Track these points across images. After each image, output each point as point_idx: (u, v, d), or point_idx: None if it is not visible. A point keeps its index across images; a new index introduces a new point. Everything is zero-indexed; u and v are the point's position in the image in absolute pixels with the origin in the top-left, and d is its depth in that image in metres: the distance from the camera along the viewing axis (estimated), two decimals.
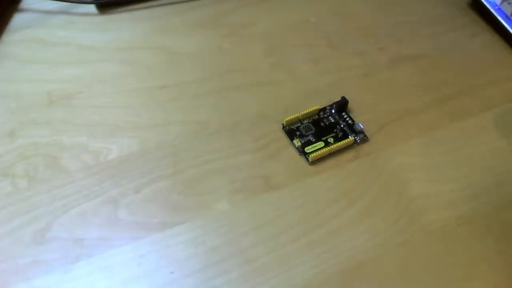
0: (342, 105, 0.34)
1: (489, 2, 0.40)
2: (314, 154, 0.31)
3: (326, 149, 0.32)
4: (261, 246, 0.28)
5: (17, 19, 0.38)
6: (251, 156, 0.32)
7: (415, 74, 0.37)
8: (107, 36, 0.38)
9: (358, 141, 0.33)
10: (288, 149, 0.32)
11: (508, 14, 0.39)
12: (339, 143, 0.32)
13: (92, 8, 0.39)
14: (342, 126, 0.33)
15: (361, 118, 0.34)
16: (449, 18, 0.41)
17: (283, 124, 0.33)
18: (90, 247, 0.27)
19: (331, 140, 0.32)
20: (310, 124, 0.33)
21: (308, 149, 0.32)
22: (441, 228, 0.29)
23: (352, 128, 0.33)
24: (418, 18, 0.41)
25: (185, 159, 0.31)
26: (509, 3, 0.39)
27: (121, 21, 0.39)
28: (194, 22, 0.39)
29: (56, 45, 0.37)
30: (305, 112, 0.33)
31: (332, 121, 0.33)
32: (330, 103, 0.34)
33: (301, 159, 0.32)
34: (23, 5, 0.39)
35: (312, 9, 0.41)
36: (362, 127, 0.33)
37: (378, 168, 0.32)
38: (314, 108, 0.33)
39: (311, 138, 0.32)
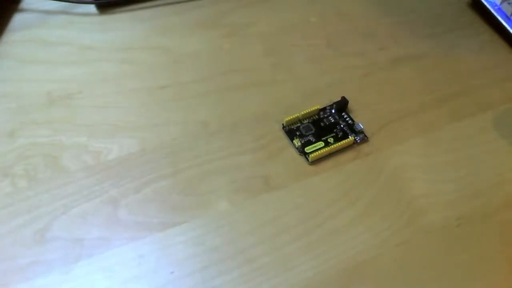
0: (342, 105, 0.34)
1: (489, 2, 0.40)
2: (314, 154, 0.31)
3: (326, 149, 0.32)
4: (261, 246, 0.28)
5: (17, 19, 0.38)
6: (251, 156, 0.32)
7: (415, 74, 0.37)
8: (107, 36, 0.38)
9: (358, 141, 0.33)
10: (288, 149, 0.32)
11: (508, 14, 0.39)
12: (339, 143, 0.32)
13: (92, 8, 0.39)
14: (342, 126, 0.33)
15: (361, 118, 0.34)
16: (449, 18, 0.41)
17: (283, 124, 0.33)
18: (90, 247, 0.27)
19: (331, 140, 0.32)
20: (310, 124, 0.33)
21: (308, 149, 0.32)
22: (441, 228, 0.29)
23: (352, 128, 0.33)
24: (418, 18, 0.41)
25: (185, 159, 0.31)
26: (509, 3, 0.39)
27: (121, 21, 0.39)
28: (194, 22, 0.39)
29: (56, 45, 0.37)
30: (305, 112, 0.33)
31: (332, 121, 0.33)
32: (330, 103, 0.34)
33: (301, 159, 0.32)
34: (23, 5, 0.39)
35: (312, 9, 0.41)
36: (362, 127, 0.33)
37: (378, 168, 0.32)
38: (314, 108, 0.33)
39: (311, 138, 0.32)
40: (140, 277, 0.26)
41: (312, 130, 0.33)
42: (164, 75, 0.35)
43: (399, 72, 0.37)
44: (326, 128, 0.33)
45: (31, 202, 0.29)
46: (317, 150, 0.32)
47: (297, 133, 0.33)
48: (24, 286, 0.26)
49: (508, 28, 0.39)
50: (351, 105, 0.34)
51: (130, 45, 0.37)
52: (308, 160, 0.31)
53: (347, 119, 0.34)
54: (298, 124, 0.33)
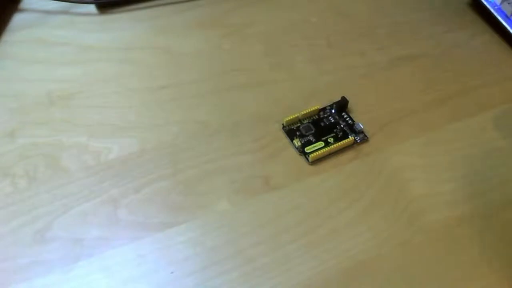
0: (342, 105, 0.34)
1: (489, 2, 0.40)
2: (314, 154, 0.31)
3: (326, 149, 0.32)
4: (261, 246, 0.28)
5: (17, 19, 0.38)
6: (251, 156, 0.32)
7: (415, 74, 0.37)
8: (107, 36, 0.38)
9: (358, 141, 0.33)
10: (288, 149, 0.32)
11: (508, 14, 0.39)
12: (339, 143, 0.32)
13: (92, 8, 0.39)
14: (342, 126, 0.33)
15: (361, 118, 0.34)
16: (449, 18, 0.41)
17: (283, 124, 0.33)
18: (90, 247, 0.27)
19: (331, 140, 0.32)
20: (310, 124, 0.33)
21: (308, 149, 0.32)
22: (441, 228, 0.29)
23: (352, 128, 0.33)
24: (418, 18, 0.41)
25: (185, 159, 0.31)
26: (509, 3, 0.39)
27: (121, 21, 0.39)
28: (194, 22, 0.39)
29: (56, 45, 0.37)
30: (305, 112, 0.33)
31: (332, 121, 0.33)
32: (330, 103, 0.34)
33: (301, 159, 0.32)
34: (23, 5, 0.39)
35: (312, 9, 0.41)
36: (362, 127, 0.33)
37: (378, 168, 0.32)
38: (314, 108, 0.33)
39: (311, 138, 0.32)
40: (140, 277, 0.26)
41: (312, 130, 0.33)
42: (164, 75, 0.35)
43: (399, 72, 0.37)
44: (326, 128, 0.33)
45: (31, 202, 0.29)
46: (317, 150, 0.32)
47: (297, 133, 0.33)
48: (24, 286, 0.26)
49: (508, 28, 0.39)
50: (351, 105, 0.34)
51: (130, 45, 0.37)
52: (308, 160, 0.31)
53: (347, 119, 0.34)
54: (298, 124, 0.33)
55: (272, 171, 0.31)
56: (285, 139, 0.33)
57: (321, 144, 0.32)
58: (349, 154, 0.32)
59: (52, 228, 0.28)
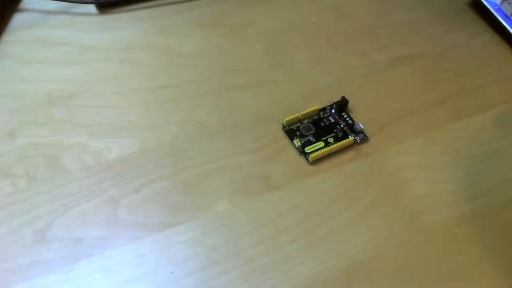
0: (342, 105, 0.34)
1: (489, 2, 0.40)
2: (314, 154, 0.31)
3: (326, 149, 0.32)
4: (261, 246, 0.28)
5: (17, 19, 0.38)
6: (251, 156, 0.32)
7: (415, 74, 0.37)
8: (107, 36, 0.38)
9: (358, 141, 0.33)
10: (288, 149, 0.32)
11: (508, 14, 0.39)
12: (339, 143, 0.32)
13: (92, 8, 0.39)
14: (342, 126, 0.33)
15: (361, 118, 0.34)
16: (449, 18, 0.41)
17: (283, 124, 0.33)
18: (90, 247, 0.27)
19: (331, 140, 0.32)
20: (310, 124, 0.33)
21: (308, 149, 0.32)
22: (441, 228, 0.29)
23: (352, 128, 0.33)
24: (418, 18, 0.41)
25: (185, 159, 0.31)
26: (509, 3, 0.39)
27: (121, 21, 0.39)
28: (194, 22, 0.39)
29: (56, 45, 0.37)
30: (305, 112, 0.33)
31: (332, 121, 0.33)
32: (330, 103, 0.34)
33: (301, 159, 0.32)
34: (23, 5, 0.39)
35: (312, 9, 0.41)
36: (362, 127, 0.33)
37: (378, 168, 0.32)
38: (314, 108, 0.33)
39: (311, 138, 0.32)
40: (140, 277, 0.26)
41: (312, 130, 0.33)
42: (164, 75, 0.35)
43: (399, 72, 0.37)
44: (326, 128, 0.33)
45: (31, 202, 0.29)
46: (317, 150, 0.32)
47: (297, 133, 0.33)
48: (24, 286, 0.26)
49: (508, 28, 0.39)
50: (351, 105, 0.34)
51: (130, 45, 0.37)
52: (308, 160, 0.31)
53: (347, 119, 0.34)
54: (298, 124, 0.33)
55: (272, 171, 0.31)
56: (285, 139, 0.33)
57: (321, 144, 0.32)
58: (349, 154, 0.32)
59: (52, 228, 0.28)
